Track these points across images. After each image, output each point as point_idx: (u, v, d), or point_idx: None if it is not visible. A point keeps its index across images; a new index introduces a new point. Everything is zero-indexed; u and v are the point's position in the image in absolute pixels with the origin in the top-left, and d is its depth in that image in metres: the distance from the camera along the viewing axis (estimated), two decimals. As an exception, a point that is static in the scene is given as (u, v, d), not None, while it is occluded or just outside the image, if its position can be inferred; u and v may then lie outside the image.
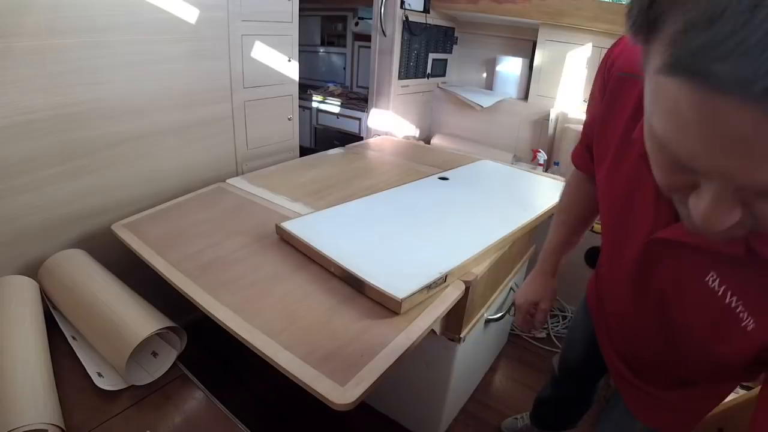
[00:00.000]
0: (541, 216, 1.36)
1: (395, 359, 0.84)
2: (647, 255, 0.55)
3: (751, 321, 0.46)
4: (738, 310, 0.47)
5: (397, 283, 0.97)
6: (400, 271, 1.03)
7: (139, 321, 0.95)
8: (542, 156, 2.30)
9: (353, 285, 1.01)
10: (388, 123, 2.50)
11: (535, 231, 1.42)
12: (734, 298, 0.47)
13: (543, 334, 1.99)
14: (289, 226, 1.20)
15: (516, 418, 1.54)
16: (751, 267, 0.44)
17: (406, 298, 0.93)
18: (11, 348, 0.89)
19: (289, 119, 2.01)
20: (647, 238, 0.53)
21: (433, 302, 1.00)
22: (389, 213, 1.34)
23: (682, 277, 0.52)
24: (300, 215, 1.33)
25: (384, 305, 0.96)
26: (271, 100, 1.88)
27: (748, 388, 1.08)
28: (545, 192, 1.60)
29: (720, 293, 0.48)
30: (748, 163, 0.27)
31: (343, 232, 1.19)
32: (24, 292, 1.07)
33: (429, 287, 0.99)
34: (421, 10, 2.35)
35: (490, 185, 1.66)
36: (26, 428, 0.73)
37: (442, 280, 1.03)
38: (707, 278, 0.48)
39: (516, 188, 1.67)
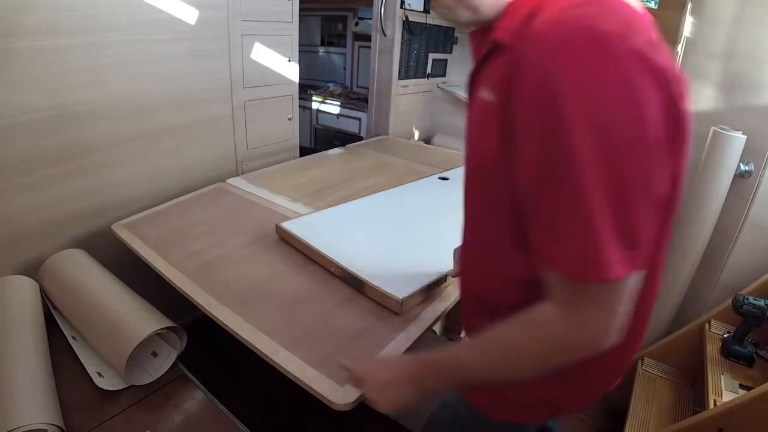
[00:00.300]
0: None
1: (395, 359, 0.83)
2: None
3: (490, 94, 0.50)
4: (486, 98, 0.51)
5: (398, 283, 0.97)
6: (400, 271, 1.03)
7: (139, 321, 0.95)
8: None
9: (353, 285, 1.02)
10: (388, 123, 2.50)
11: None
12: (484, 90, 0.52)
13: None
14: (289, 226, 1.20)
15: None
16: (493, 56, 0.51)
17: (406, 298, 0.93)
18: (12, 348, 0.89)
19: (289, 119, 2.01)
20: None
21: (432, 302, 1.00)
22: (389, 213, 1.34)
23: (471, 118, 0.57)
24: (300, 215, 1.33)
25: (384, 305, 0.96)
26: (271, 100, 1.88)
27: (748, 388, 1.08)
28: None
29: (480, 96, 0.53)
30: None
31: (343, 232, 1.20)
32: (24, 292, 1.07)
33: (429, 287, 0.99)
34: (421, 10, 2.35)
35: None
36: (27, 428, 0.73)
37: (443, 280, 1.03)
38: (479, 93, 0.53)
39: None
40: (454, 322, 1.18)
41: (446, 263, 1.07)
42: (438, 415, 0.86)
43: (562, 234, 0.44)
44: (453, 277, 0.96)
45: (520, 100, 0.44)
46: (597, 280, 0.44)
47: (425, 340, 0.94)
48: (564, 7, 0.43)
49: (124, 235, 1.23)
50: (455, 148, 2.46)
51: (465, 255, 0.69)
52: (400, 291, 0.95)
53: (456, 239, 1.18)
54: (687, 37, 1.59)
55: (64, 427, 0.78)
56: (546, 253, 0.47)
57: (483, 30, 0.55)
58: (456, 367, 0.56)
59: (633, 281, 0.46)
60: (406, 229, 1.24)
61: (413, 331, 0.91)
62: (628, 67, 0.40)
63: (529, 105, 0.44)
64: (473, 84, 0.56)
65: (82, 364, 0.95)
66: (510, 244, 0.55)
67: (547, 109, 0.42)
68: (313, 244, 1.11)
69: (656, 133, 0.42)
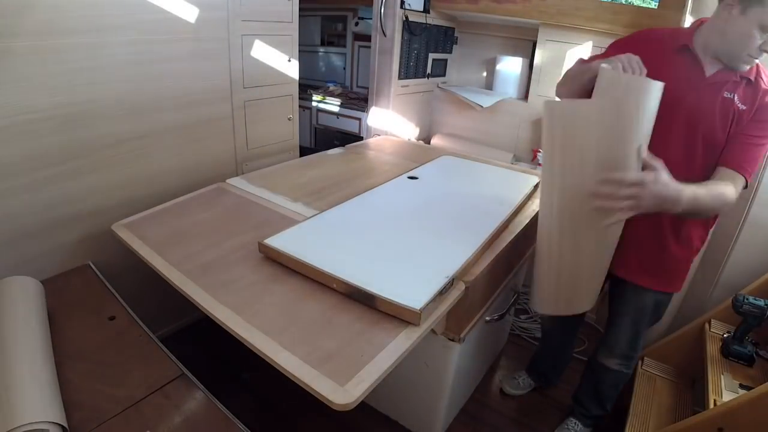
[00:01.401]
0: (519, 207, 1.41)
1: (395, 359, 0.84)
2: (690, 107, 1.06)
3: (738, 101, 1.03)
4: (740, 106, 1.03)
5: (409, 293, 0.94)
6: (406, 280, 1.00)
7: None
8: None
9: (361, 300, 0.97)
10: (388, 123, 2.50)
11: (530, 231, 1.42)
12: (729, 93, 1.04)
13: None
14: (275, 243, 1.11)
15: (515, 377, 1.71)
16: (739, 82, 1.04)
17: (424, 308, 0.91)
18: (17, 347, 0.89)
19: (289, 119, 2.01)
20: (691, 96, 1.06)
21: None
22: (372, 219, 1.30)
23: (704, 103, 1.05)
24: (300, 215, 1.33)
25: (399, 318, 0.92)
26: (271, 100, 1.88)
27: (748, 388, 1.08)
28: (514, 184, 1.63)
29: (725, 95, 1.04)
30: None
31: (333, 243, 1.14)
32: (29, 292, 1.07)
33: (441, 293, 0.99)
34: (421, 10, 2.35)
35: (460, 181, 1.67)
36: (32, 426, 0.73)
37: (450, 284, 1.03)
38: (724, 95, 1.04)
39: (484, 182, 1.69)
40: (454, 322, 1.18)
41: (448, 266, 1.07)
42: (637, 318, 1.27)
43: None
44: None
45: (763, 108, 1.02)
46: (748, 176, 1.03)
47: (425, 340, 0.94)
48: None
49: (124, 235, 1.23)
50: (455, 148, 2.46)
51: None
52: (415, 302, 0.92)
53: (447, 240, 1.18)
54: (687, 37, 1.58)
55: (66, 426, 0.78)
56: (742, 167, 1.02)
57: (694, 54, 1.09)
58: (696, 198, 0.94)
59: None
60: (393, 234, 1.22)
61: (413, 331, 0.91)
62: None
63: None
64: (710, 86, 1.06)
65: (81, 364, 0.95)
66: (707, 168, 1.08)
67: None
68: (309, 261, 1.04)
69: None
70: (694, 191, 0.93)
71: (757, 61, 1.02)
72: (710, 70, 1.06)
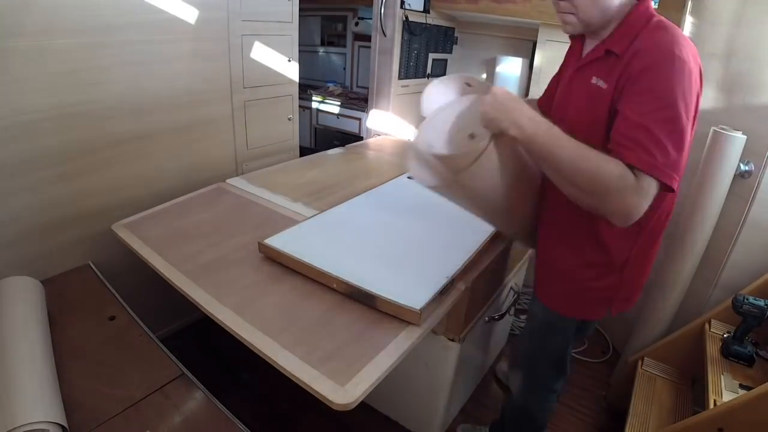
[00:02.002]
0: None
1: (395, 359, 0.84)
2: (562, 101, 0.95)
3: (603, 83, 0.82)
4: (598, 84, 0.83)
5: (409, 293, 0.94)
6: (406, 280, 1.00)
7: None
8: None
9: (362, 300, 0.97)
10: (388, 123, 2.50)
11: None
12: (597, 78, 0.84)
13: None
14: (275, 243, 1.11)
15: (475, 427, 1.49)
16: (604, 59, 0.84)
17: (424, 308, 0.91)
18: (18, 347, 0.89)
19: (289, 119, 2.01)
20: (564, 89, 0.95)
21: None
22: (372, 219, 1.31)
23: (574, 93, 0.90)
24: (300, 215, 1.33)
25: (399, 318, 0.93)
26: (271, 100, 1.88)
27: (748, 388, 1.08)
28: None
29: (592, 82, 0.84)
30: None
31: (332, 242, 1.14)
32: (29, 292, 1.07)
33: (441, 293, 0.99)
34: (421, 10, 2.35)
35: None
36: (32, 426, 0.73)
37: (450, 284, 1.03)
38: (590, 81, 0.85)
39: None
40: (454, 322, 1.18)
41: (447, 264, 1.08)
42: (527, 327, 1.18)
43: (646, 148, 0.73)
44: None
45: (633, 84, 0.76)
46: (653, 175, 0.73)
47: (425, 340, 0.94)
48: (657, 36, 0.78)
49: (124, 235, 1.23)
50: (455, 148, 2.46)
51: None
52: (416, 302, 0.92)
53: (446, 239, 1.18)
54: (687, 37, 1.59)
55: (66, 426, 0.78)
56: (632, 156, 0.73)
57: (582, 36, 0.93)
58: (558, 138, 0.76)
59: (656, 191, 0.75)
60: (392, 233, 1.22)
61: (413, 331, 0.91)
62: (690, 79, 0.74)
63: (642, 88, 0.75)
64: (577, 71, 0.90)
65: (81, 364, 0.95)
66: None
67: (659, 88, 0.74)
68: (309, 261, 1.04)
69: (694, 109, 0.76)
70: (555, 128, 0.77)
71: (569, 18, 0.85)
72: (587, 49, 0.90)
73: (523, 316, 2.10)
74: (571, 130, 0.78)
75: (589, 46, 0.89)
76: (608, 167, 0.73)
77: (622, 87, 0.78)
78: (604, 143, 0.78)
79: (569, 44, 1.01)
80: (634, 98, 0.75)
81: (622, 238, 0.90)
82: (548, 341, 1.10)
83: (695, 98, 0.76)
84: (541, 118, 0.77)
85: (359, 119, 2.77)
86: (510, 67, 2.52)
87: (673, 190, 0.75)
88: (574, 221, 0.91)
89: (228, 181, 1.57)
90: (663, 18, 0.82)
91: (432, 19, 2.44)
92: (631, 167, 0.73)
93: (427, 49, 2.54)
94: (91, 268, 1.31)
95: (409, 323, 0.92)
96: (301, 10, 1.86)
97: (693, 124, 0.77)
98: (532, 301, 1.13)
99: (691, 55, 0.75)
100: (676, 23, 1.65)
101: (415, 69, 2.51)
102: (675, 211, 1.51)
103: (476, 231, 1.24)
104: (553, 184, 0.83)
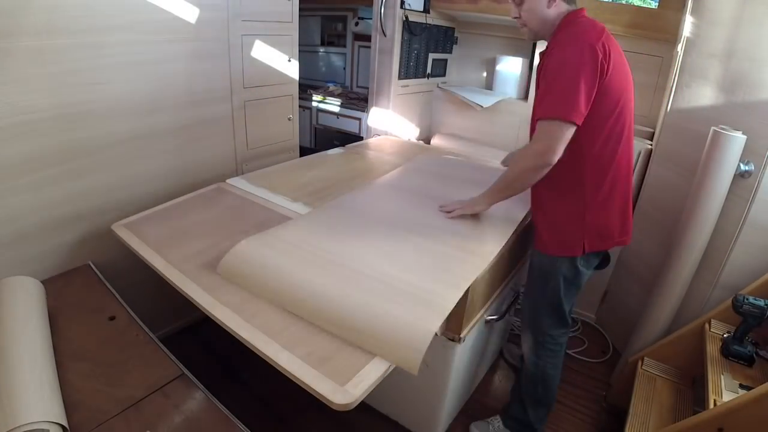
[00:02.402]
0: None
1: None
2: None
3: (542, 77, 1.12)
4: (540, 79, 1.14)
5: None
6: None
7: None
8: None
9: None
10: (388, 123, 2.50)
11: (530, 231, 1.42)
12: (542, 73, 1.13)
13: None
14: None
15: (487, 422, 1.50)
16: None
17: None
18: (18, 347, 0.89)
19: (289, 119, 2.01)
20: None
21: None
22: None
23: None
24: (300, 215, 1.33)
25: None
26: (271, 100, 1.88)
27: (748, 388, 1.08)
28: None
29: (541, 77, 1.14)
30: None
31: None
32: (30, 292, 1.08)
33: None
34: (421, 10, 2.35)
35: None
36: (31, 426, 0.73)
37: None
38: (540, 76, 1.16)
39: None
40: (454, 322, 1.17)
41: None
42: (527, 282, 1.34)
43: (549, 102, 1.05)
44: None
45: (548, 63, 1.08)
46: (543, 117, 1.05)
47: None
48: (562, 33, 1.10)
49: (124, 235, 1.23)
50: (455, 148, 2.46)
51: None
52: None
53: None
54: (687, 37, 1.58)
55: (67, 426, 0.78)
56: (539, 112, 1.07)
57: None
58: (496, 189, 1.22)
59: (561, 126, 1.02)
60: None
61: (413, 331, 0.90)
62: (584, 49, 1.01)
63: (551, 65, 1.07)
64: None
65: (82, 364, 0.95)
66: None
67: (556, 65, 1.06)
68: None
69: (592, 69, 1.01)
70: (490, 187, 1.24)
71: (524, 29, 1.17)
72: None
73: (523, 316, 2.10)
74: (533, 113, 1.13)
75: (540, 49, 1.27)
76: (521, 156, 1.15)
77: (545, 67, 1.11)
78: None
79: None
80: (542, 78, 1.10)
81: (573, 190, 1.15)
82: (545, 287, 1.25)
83: (593, 56, 1.00)
84: (483, 196, 1.26)
85: (359, 119, 2.77)
86: (510, 67, 2.52)
87: (574, 123, 1.00)
88: (546, 186, 1.17)
89: (228, 181, 1.57)
90: (579, 18, 1.09)
91: (432, 19, 2.44)
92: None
93: (427, 49, 2.54)
94: (91, 268, 1.31)
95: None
96: (301, 10, 1.87)
97: (599, 78, 1.01)
98: (531, 254, 1.33)
99: (587, 33, 1.03)
100: (675, 23, 1.66)
101: (415, 69, 2.51)
102: (675, 212, 1.52)
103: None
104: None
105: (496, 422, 1.49)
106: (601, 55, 1.00)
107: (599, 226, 1.17)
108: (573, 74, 1.00)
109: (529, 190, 1.24)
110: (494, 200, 1.25)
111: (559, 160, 1.05)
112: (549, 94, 1.03)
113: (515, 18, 1.16)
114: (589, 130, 1.06)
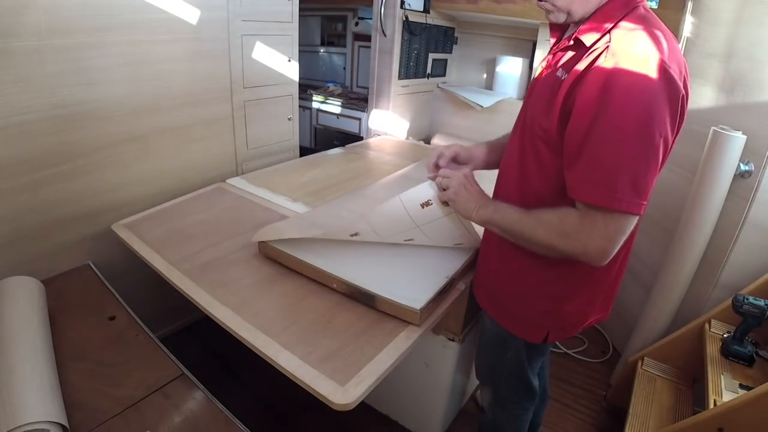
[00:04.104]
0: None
1: (395, 359, 0.84)
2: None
3: (565, 74, 0.73)
4: (562, 76, 0.73)
5: (409, 293, 0.94)
6: (406, 280, 1.00)
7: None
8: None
9: (361, 300, 0.97)
10: (388, 123, 2.50)
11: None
12: (562, 71, 0.74)
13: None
14: (275, 242, 1.10)
15: None
16: (572, 49, 0.75)
17: (424, 308, 0.91)
18: (19, 347, 0.89)
19: (289, 119, 2.01)
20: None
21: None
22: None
23: (541, 81, 0.81)
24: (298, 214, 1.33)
25: (399, 317, 0.93)
26: (271, 100, 1.88)
27: (748, 388, 1.08)
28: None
29: (557, 74, 0.75)
30: None
31: (333, 242, 1.11)
32: (30, 292, 1.07)
33: (441, 293, 0.99)
34: (421, 10, 2.35)
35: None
36: (32, 426, 0.73)
37: (450, 284, 1.03)
38: (556, 73, 0.76)
39: (482, 183, 1.59)
40: (454, 322, 1.18)
41: (447, 263, 1.08)
42: (482, 340, 1.09)
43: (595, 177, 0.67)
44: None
45: (587, 84, 0.67)
46: (612, 209, 0.66)
47: (425, 340, 0.94)
48: (633, 36, 0.66)
49: (124, 235, 1.23)
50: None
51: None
52: (415, 301, 0.92)
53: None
54: (687, 37, 1.58)
55: (68, 426, 0.78)
56: (579, 187, 0.69)
57: (562, 26, 0.83)
58: (506, 214, 0.82)
59: (632, 221, 0.68)
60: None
61: (413, 331, 0.91)
62: (665, 85, 0.63)
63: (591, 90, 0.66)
64: (549, 61, 0.81)
65: (82, 364, 0.95)
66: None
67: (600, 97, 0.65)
68: (308, 260, 1.04)
69: (671, 118, 0.65)
70: (503, 205, 0.83)
71: (547, 7, 0.77)
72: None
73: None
74: (530, 117, 0.80)
75: (566, 35, 0.81)
76: (560, 220, 0.73)
77: (579, 88, 0.68)
78: (557, 135, 0.73)
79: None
80: (594, 119, 0.65)
81: (547, 263, 0.83)
82: (502, 356, 1.01)
83: (674, 114, 0.65)
84: (486, 204, 0.86)
85: (359, 119, 2.77)
86: (510, 67, 2.52)
87: (638, 214, 0.68)
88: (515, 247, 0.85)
89: (228, 181, 1.57)
90: (647, 11, 0.72)
91: (432, 19, 2.44)
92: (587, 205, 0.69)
93: (427, 49, 2.54)
94: (91, 268, 1.31)
95: (408, 323, 0.92)
96: (301, 10, 1.86)
97: (673, 139, 0.69)
98: (482, 313, 1.06)
99: (674, 62, 0.64)
100: (676, 23, 1.65)
101: (415, 69, 2.51)
102: (675, 212, 1.52)
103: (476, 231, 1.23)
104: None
105: None
106: (681, 94, 0.66)
107: (577, 315, 0.90)
108: (647, 132, 0.63)
109: None
110: (491, 224, 0.85)
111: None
112: (627, 163, 0.65)
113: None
114: None
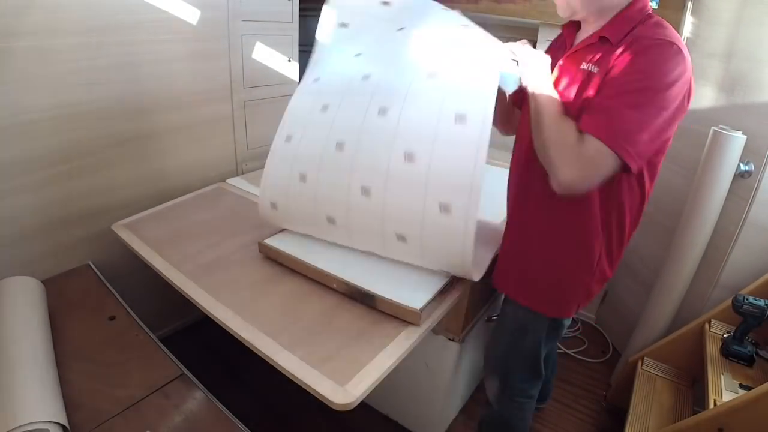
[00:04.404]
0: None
1: (395, 359, 0.84)
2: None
3: (595, 68, 0.81)
4: (590, 69, 0.82)
5: (409, 293, 0.94)
6: (406, 280, 1.00)
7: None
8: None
9: (361, 300, 0.97)
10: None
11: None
12: (588, 64, 0.82)
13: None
14: (275, 243, 1.11)
15: None
16: (597, 45, 0.83)
17: (424, 308, 0.91)
18: (19, 347, 0.89)
19: (289, 119, 2.00)
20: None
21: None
22: None
23: (562, 78, 0.88)
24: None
25: (399, 318, 0.93)
26: (271, 100, 1.88)
27: (748, 388, 1.08)
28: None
29: (582, 67, 0.83)
30: None
31: (333, 243, 1.12)
32: (30, 292, 1.08)
33: (441, 293, 0.99)
34: (421, 10, 2.34)
35: None
36: (32, 426, 0.73)
37: (450, 284, 1.03)
38: (581, 67, 0.84)
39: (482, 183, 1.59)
40: (454, 322, 1.18)
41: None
42: (500, 325, 1.13)
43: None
44: None
45: (619, 68, 0.75)
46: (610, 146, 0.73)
47: (425, 340, 0.94)
48: (656, 31, 0.77)
49: (124, 235, 1.23)
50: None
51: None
52: (415, 301, 0.92)
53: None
54: (687, 37, 1.58)
55: (68, 426, 0.79)
56: (590, 122, 0.76)
57: (576, 23, 0.92)
58: (553, 101, 0.83)
59: (615, 164, 0.75)
60: None
61: (413, 331, 0.91)
62: (683, 62, 0.74)
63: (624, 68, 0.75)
64: (568, 57, 0.89)
65: (82, 364, 0.95)
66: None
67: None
68: (308, 261, 1.04)
69: (681, 104, 0.76)
70: (550, 93, 0.85)
71: (560, 3, 0.86)
72: (580, 37, 0.90)
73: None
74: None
75: (584, 34, 0.88)
76: (571, 128, 0.78)
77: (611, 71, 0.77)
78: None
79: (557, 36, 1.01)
80: (614, 78, 0.76)
81: (595, 234, 0.89)
82: (520, 342, 1.06)
83: (684, 89, 0.75)
84: (546, 85, 0.85)
85: (359, 119, 2.76)
86: (510, 67, 2.52)
87: (629, 170, 0.75)
88: (551, 219, 0.91)
89: (228, 181, 1.57)
90: (661, 18, 0.81)
91: (432, 19, 2.44)
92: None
93: (427, 49, 2.54)
94: (91, 268, 1.31)
95: (409, 323, 0.92)
96: (301, 10, 1.87)
97: (676, 117, 0.77)
98: (504, 302, 1.11)
99: (687, 52, 0.75)
100: (676, 23, 1.66)
101: (415, 69, 2.51)
102: (675, 212, 1.52)
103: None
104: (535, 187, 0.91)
105: None
106: (691, 83, 0.77)
107: (601, 278, 0.96)
108: (666, 100, 0.73)
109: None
110: (541, 96, 0.84)
111: (584, 198, 0.83)
112: (629, 113, 0.73)
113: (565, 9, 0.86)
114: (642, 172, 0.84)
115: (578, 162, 0.75)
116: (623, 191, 0.85)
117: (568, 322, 1.05)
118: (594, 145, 0.74)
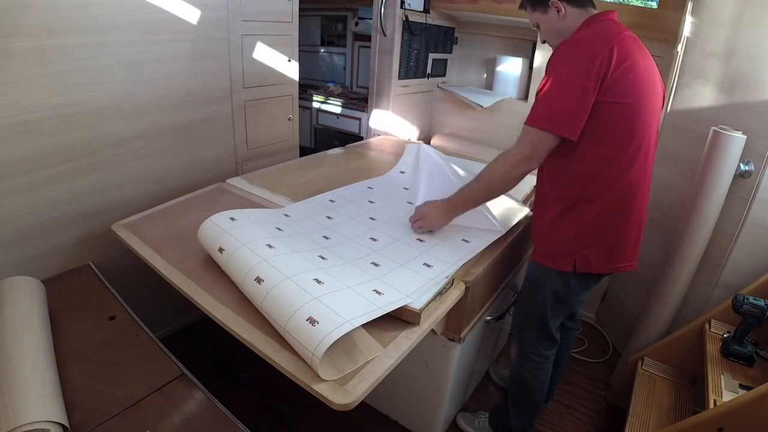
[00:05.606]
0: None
1: (395, 359, 0.84)
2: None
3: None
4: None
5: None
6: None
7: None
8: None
9: None
10: (388, 123, 2.50)
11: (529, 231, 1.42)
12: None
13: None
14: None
15: (474, 415, 1.53)
16: None
17: (424, 308, 0.91)
18: (19, 347, 0.89)
19: (289, 119, 2.01)
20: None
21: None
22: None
23: None
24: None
25: (399, 317, 0.93)
26: (271, 100, 1.88)
27: (748, 388, 1.08)
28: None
29: None
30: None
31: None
32: (30, 292, 1.07)
33: (441, 293, 0.99)
34: (421, 10, 2.34)
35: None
36: (32, 426, 0.73)
37: (450, 284, 1.03)
38: None
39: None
40: (454, 322, 1.17)
41: (446, 263, 1.08)
42: (521, 291, 1.32)
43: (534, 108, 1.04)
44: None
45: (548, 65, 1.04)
46: (530, 124, 1.02)
47: (425, 340, 0.94)
48: (577, 35, 1.04)
49: (124, 235, 1.23)
50: (455, 148, 2.46)
51: None
52: (415, 301, 0.92)
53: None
54: (687, 37, 1.58)
55: (68, 426, 0.78)
56: (530, 117, 1.03)
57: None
58: (467, 197, 1.18)
59: (545, 135, 1.01)
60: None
61: (413, 332, 0.91)
62: (582, 56, 0.98)
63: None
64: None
65: (82, 364, 0.95)
66: None
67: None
68: None
69: (589, 77, 0.96)
70: (457, 191, 1.19)
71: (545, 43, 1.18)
72: None
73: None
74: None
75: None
76: (498, 158, 1.10)
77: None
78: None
79: None
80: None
81: (550, 196, 1.13)
82: (533, 299, 1.23)
83: (592, 64, 0.95)
84: (445, 200, 1.21)
85: (359, 119, 2.77)
86: (510, 67, 2.52)
87: (563, 137, 0.99)
88: (550, 192, 1.15)
89: (228, 181, 1.57)
90: (595, 22, 1.05)
91: (432, 19, 2.44)
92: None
93: (427, 49, 2.54)
94: (91, 268, 1.31)
95: (408, 323, 0.92)
96: (301, 10, 1.87)
97: (598, 87, 0.96)
98: (529, 261, 1.31)
99: (600, 37, 0.98)
100: (675, 23, 1.65)
101: (415, 69, 2.51)
102: (675, 212, 1.52)
103: (478, 232, 1.23)
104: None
105: (483, 417, 1.50)
106: (602, 64, 0.94)
107: (604, 246, 1.10)
108: (568, 82, 0.97)
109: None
110: (464, 210, 1.20)
111: (562, 168, 1.06)
112: (543, 101, 1.01)
113: (535, 28, 1.17)
114: (595, 140, 1.00)
115: (525, 147, 1.04)
116: (569, 161, 1.05)
117: (578, 293, 1.19)
118: (530, 132, 1.02)
